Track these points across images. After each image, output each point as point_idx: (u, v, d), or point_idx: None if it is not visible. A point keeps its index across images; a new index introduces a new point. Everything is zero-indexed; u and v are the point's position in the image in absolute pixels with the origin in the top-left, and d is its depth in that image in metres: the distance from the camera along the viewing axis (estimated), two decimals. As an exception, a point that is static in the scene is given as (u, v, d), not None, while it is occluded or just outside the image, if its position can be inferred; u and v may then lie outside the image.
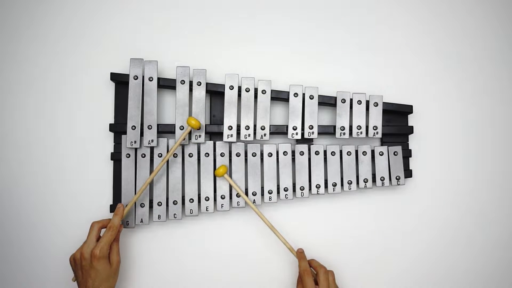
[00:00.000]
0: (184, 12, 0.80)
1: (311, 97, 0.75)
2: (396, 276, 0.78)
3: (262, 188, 0.74)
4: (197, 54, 0.79)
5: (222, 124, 0.74)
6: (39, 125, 0.77)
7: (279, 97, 0.75)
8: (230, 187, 0.74)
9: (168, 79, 0.75)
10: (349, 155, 0.75)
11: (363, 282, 0.75)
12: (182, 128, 0.73)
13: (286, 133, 0.75)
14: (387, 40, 0.82)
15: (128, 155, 0.73)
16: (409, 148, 0.79)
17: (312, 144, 0.76)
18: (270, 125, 0.74)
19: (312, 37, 0.81)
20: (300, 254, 0.71)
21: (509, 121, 0.82)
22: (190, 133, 0.73)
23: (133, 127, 0.72)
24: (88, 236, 0.66)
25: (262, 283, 0.76)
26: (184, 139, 0.72)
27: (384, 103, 0.76)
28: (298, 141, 0.76)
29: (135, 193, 0.73)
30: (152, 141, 0.72)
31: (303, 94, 0.75)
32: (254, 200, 0.74)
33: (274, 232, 0.72)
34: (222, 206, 0.74)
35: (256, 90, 0.75)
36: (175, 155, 0.73)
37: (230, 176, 0.74)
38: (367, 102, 0.76)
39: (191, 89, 0.74)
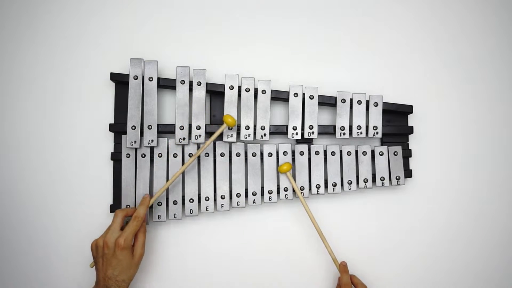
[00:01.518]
0: (184, 12, 0.80)
1: (311, 97, 0.75)
2: (396, 275, 0.78)
3: (262, 188, 0.74)
4: (197, 54, 0.79)
5: (222, 124, 0.74)
6: (39, 125, 0.77)
7: (279, 97, 0.75)
8: (230, 187, 0.74)
9: (168, 79, 0.75)
10: (349, 155, 0.75)
11: (364, 280, 0.75)
12: (182, 128, 0.73)
13: (286, 133, 0.75)
14: (387, 40, 0.82)
15: (128, 155, 0.73)
16: (409, 148, 0.79)
17: (312, 144, 0.76)
18: (270, 125, 0.74)
19: (312, 37, 0.81)
20: (343, 267, 0.72)
21: (509, 121, 0.82)
22: (190, 132, 0.73)
23: (133, 127, 0.72)
24: (111, 224, 0.66)
25: (263, 283, 0.76)
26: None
27: (384, 103, 0.76)
28: (298, 141, 0.76)
29: (135, 194, 0.73)
30: (152, 141, 0.72)
31: (303, 94, 0.75)
32: (254, 200, 0.74)
33: (322, 240, 0.71)
34: (222, 206, 0.74)
35: (256, 90, 0.75)
36: (175, 155, 0.73)
37: (230, 176, 0.74)
38: (367, 102, 0.76)
39: (191, 89, 0.74)
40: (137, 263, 0.67)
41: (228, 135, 0.73)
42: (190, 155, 0.73)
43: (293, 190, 0.74)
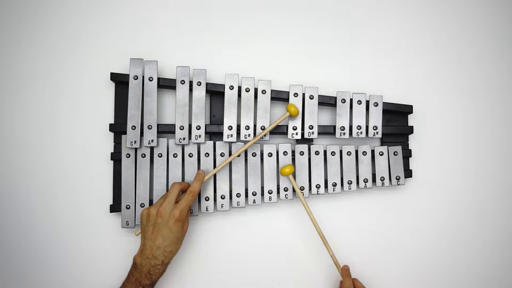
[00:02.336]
0: (184, 12, 0.80)
1: (311, 97, 0.75)
2: (396, 275, 0.78)
3: (262, 188, 0.74)
4: (197, 54, 0.79)
5: (222, 124, 0.74)
6: (39, 125, 0.77)
7: (279, 97, 0.75)
8: (230, 187, 0.74)
9: (168, 79, 0.75)
10: (349, 155, 0.75)
11: (364, 281, 0.75)
12: (182, 128, 0.73)
13: (286, 133, 0.75)
14: (387, 40, 0.82)
15: (128, 155, 0.73)
16: (409, 148, 0.79)
17: (312, 144, 0.76)
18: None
19: (312, 37, 0.81)
20: (345, 271, 0.72)
21: (509, 121, 0.82)
22: (190, 132, 0.73)
23: (133, 127, 0.72)
24: (168, 195, 0.66)
25: (263, 283, 0.76)
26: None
27: (384, 103, 0.76)
28: (298, 141, 0.76)
29: (135, 194, 0.73)
30: (152, 141, 0.72)
31: (303, 94, 0.75)
32: (254, 200, 0.74)
33: (323, 243, 0.71)
34: (222, 206, 0.74)
35: (256, 90, 0.75)
36: (175, 155, 0.73)
37: (230, 176, 0.74)
38: (367, 102, 0.76)
39: (191, 89, 0.74)
40: (183, 236, 0.68)
41: (228, 135, 0.73)
42: (190, 155, 0.73)
43: (293, 190, 0.74)
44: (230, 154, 0.74)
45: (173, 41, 0.79)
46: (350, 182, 0.75)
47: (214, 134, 0.75)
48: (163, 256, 0.65)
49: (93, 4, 0.79)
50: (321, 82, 0.79)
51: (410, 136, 0.79)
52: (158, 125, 0.73)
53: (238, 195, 0.74)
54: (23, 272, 0.75)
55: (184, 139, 0.73)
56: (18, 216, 0.76)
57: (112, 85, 0.77)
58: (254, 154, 0.74)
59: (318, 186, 0.75)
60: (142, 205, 0.73)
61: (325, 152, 0.75)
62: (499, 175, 0.81)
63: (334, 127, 0.75)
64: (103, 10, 0.79)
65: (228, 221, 0.77)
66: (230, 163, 0.74)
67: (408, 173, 0.77)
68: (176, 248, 0.67)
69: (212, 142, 0.74)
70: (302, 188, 0.74)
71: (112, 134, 0.75)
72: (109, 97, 0.77)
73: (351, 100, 0.76)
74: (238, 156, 0.72)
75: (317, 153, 0.75)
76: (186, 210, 0.66)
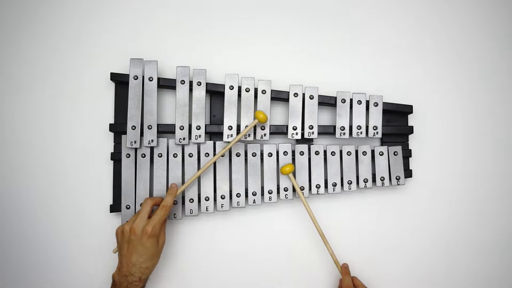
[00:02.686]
0: (184, 12, 0.80)
1: (311, 97, 0.75)
2: (396, 275, 0.78)
3: (262, 188, 0.74)
4: (197, 54, 0.79)
5: (222, 124, 0.74)
6: (39, 126, 0.77)
7: (279, 97, 0.75)
8: (230, 187, 0.74)
9: (168, 79, 0.75)
10: (349, 155, 0.75)
11: (364, 281, 0.75)
12: (182, 128, 0.73)
13: (286, 133, 0.75)
14: (387, 40, 0.82)
15: (128, 155, 0.73)
16: (409, 148, 0.79)
17: (312, 144, 0.76)
18: (270, 125, 0.74)
19: (312, 37, 0.81)
20: (345, 269, 0.72)
21: (509, 121, 0.82)
22: (190, 132, 0.73)
23: (133, 127, 0.72)
24: (140, 212, 0.66)
25: (263, 283, 0.76)
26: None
27: (384, 103, 0.76)
28: (298, 141, 0.76)
29: (135, 194, 0.73)
30: (152, 141, 0.72)
31: (303, 94, 0.75)
32: (254, 200, 0.74)
33: (323, 241, 0.71)
34: (222, 206, 0.74)
35: (256, 90, 0.75)
36: (175, 155, 0.73)
37: (230, 176, 0.74)
38: (367, 102, 0.76)
39: (191, 89, 0.74)
40: (160, 251, 0.67)
41: (228, 135, 0.73)
42: (190, 155, 0.73)
43: (293, 190, 0.74)
44: (230, 154, 0.74)
45: (173, 41, 0.79)
46: (350, 182, 0.75)
47: (214, 134, 0.75)
48: (139, 273, 0.64)
49: (93, 4, 0.79)
50: (321, 82, 0.79)
51: (410, 136, 0.79)
52: (158, 125, 0.73)
53: (238, 195, 0.74)
54: (24, 272, 0.75)
55: (184, 139, 0.73)
56: (19, 216, 0.76)
57: (112, 85, 0.77)
58: (254, 154, 0.74)
59: (318, 186, 0.75)
60: (142, 205, 0.73)
61: (325, 152, 0.75)
62: (499, 175, 0.81)
63: (334, 127, 0.75)
64: (103, 10, 0.79)
65: (228, 221, 0.77)
66: (230, 163, 0.74)
67: (408, 173, 0.77)
68: (152, 264, 0.66)
69: (212, 142, 0.74)
70: (302, 188, 0.74)
71: (112, 134, 0.75)
72: (109, 97, 0.77)
73: (351, 100, 0.76)
74: (217, 158, 0.72)
75: (317, 153, 0.75)
76: (159, 225, 0.65)
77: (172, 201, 0.68)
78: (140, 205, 0.71)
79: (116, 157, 0.74)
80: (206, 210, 0.73)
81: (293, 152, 0.75)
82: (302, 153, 0.75)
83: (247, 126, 0.73)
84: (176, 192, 0.69)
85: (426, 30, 0.83)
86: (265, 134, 0.74)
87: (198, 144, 0.74)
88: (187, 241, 0.77)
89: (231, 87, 0.74)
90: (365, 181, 0.75)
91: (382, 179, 0.75)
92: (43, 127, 0.77)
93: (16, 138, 0.76)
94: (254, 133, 0.74)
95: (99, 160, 0.76)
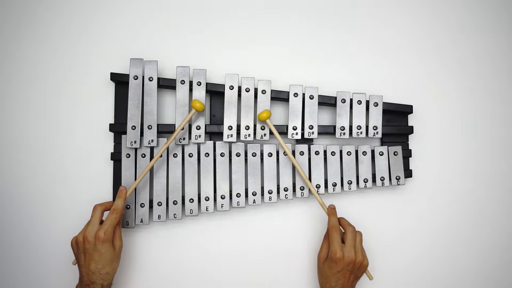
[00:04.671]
0: (184, 12, 0.80)
1: (311, 97, 0.75)
2: (396, 275, 0.78)
3: (262, 188, 0.74)
4: (197, 54, 0.79)
5: (222, 124, 0.74)
6: (39, 125, 0.77)
7: (279, 97, 0.75)
8: (230, 187, 0.74)
9: (168, 79, 0.75)
10: (349, 155, 0.75)
11: (363, 281, 0.75)
12: (182, 128, 0.73)
13: (286, 133, 0.75)
14: (387, 40, 0.82)
15: (128, 155, 0.73)
16: (409, 148, 0.79)
17: (312, 144, 0.76)
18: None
19: (312, 37, 0.81)
20: (331, 210, 0.70)
21: (509, 121, 0.82)
22: (190, 132, 0.73)
23: (133, 127, 0.72)
24: (91, 219, 0.66)
25: (263, 283, 0.76)
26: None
27: (384, 103, 0.76)
28: (298, 141, 0.76)
29: (135, 194, 0.73)
30: (152, 141, 0.72)
31: (303, 94, 0.75)
32: (254, 200, 0.74)
33: (307, 184, 0.71)
34: (222, 206, 0.74)
35: (256, 90, 0.75)
36: (175, 155, 0.73)
37: (230, 176, 0.74)
38: (367, 102, 0.76)
39: (191, 89, 0.74)
40: (118, 255, 0.67)
41: (228, 135, 0.73)
42: (190, 155, 0.73)
43: (293, 190, 0.74)
44: (230, 154, 0.74)
45: (173, 41, 0.79)
46: (350, 182, 0.75)
47: (214, 134, 0.75)
48: (100, 280, 0.64)
49: (93, 4, 0.79)
50: (321, 82, 0.79)
51: (410, 136, 0.79)
52: (158, 125, 0.73)
53: (238, 195, 0.74)
54: (24, 273, 0.75)
55: (184, 139, 0.73)
56: (19, 216, 0.76)
57: (112, 85, 0.77)
58: (254, 154, 0.74)
59: (318, 186, 0.75)
60: (142, 205, 0.73)
61: (325, 152, 0.75)
62: (499, 175, 0.81)
63: (334, 127, 0.75)
64: (103, 11, 0.79)
65: (228, 221, 0.77)
66: (230, 163, 0.74)
67: (408, 173, 0.77)
68: (112, 268, 0.65)
69: (212, 142, 0.74)
70: (302, 188, 0.74)
71: (112, 134, 0.75)
72: (109, 97, 0.77)
73: (351, 100, 0.76)
74: (161, 156, 0.71)
75: (317, 153, 0.75)
76: (111, 229, 0.65)
77: (122, 204, 0.68)
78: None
79: (116, 157, 0.74)
80: (206, 210, 0.73)
81: (293, 152, 0.75)
82: (302, 153, 0.75)
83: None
84: (126, 194, 0.69)
85: (426, 30, 0.83)
86: (265, 134, 0.74)
87: (198, 144, 0.74)
88: (188, 241, 0.77)
89: (231, 87, 0.74)
90: (365, 181, 0.75)
91: (382, 179, 0.75)
92: (43, 127, 0.77)
93: (16, 138, 0.76)
94: (254, 133, 0.74)
95: (99, 160, 0.76)
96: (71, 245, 0.66)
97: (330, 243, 0.67)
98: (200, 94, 0.73)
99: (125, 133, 0.73)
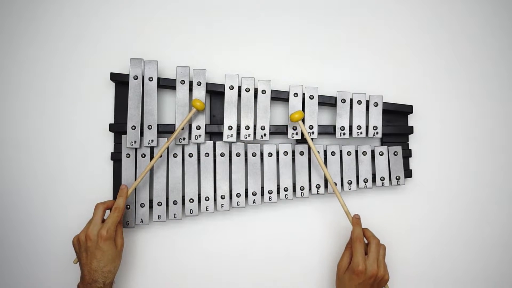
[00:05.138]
0: (184, 12, 0.80)
1: (311, 97, 0.75)
2: (396, 275, 0.78)
3: (262, 188, 0.74)
4: (197, 54, 0.79)
5: (222, 124, 0.74)
6: (39, 125, 0.77)
7: (279, 97, 0.75)
8: (230, 187, 0.74)
9: (168, 79, 0.75)
10: (349, 155, 0.75)
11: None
12: (182, 128, 0.73)
13: (286, 133, 0.75)
14: (387, 40, 0.82)
15: (128, 155, 0.73)
16: (409, 148, 0.79)
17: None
18: (270, 125, 0.74)
19: (312, 37, 0.81)
20: (356, 220, 0.69)
21: (509, 121, 0.82)
22: (190, 132, 0.73)
23: (133, 127, 0.72)
24: (93, 218, 0.66)
25: (263, 283, 0.76)
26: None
27: (384, 103, 0.76)
28: (298, 141, 0.76)
29: (135, 194, 0.73)
30: (152, 141, 0.72)
31: (303, 94, 0.75)
32: (254, 200, 0.74)
33: (334, 190, 0.70)
34: (222, 206, 0.74)
35: (256, 90, 0.75)
36: (175, 155, 0.73)
37: (230, 176, 0.74)
38: (367, 102, 0.76)
39: (191, 89, 0.74)
40: (120, 253, 0.67)
41: (228, 135, 0.73)
42: (190, 155, 0.73)
43: (293, 190, 0.74)
44: (230, 154, 0.74)
45: (173, 41, 0.79)
46: (350, 182, 0.75)
47: (214, 134, 0.75)
48: (102, 278, 0.64)
49: (93, 4, 0.79)
50: (321, 82, 0.79)
51: (410, 136, 0.79)
52: (158, 125, 0.73)
53: (238, 195, 0.74)
54: (24, 272, 0.75)
55: (184, 139, 0.73)
56: (19, 216, 0.76)
57: (112, 85, 0.77)
58: (254, 154, 0.74)
59: (318, 186, 0.75)
60: (142, 205, 0.73)
61: (325, 152, 0.75)
62: (499, 175, 0.81)
63: (334, 127, 0.75)
64: (103, 10, 0.79)
65: (228, 221, 0.77)
66: (230, 163, 0.74)
67: (408, 173, 0.77)
68: (114, 267, 0.66)
69: (212, 142, 0.74)
70: (302, 188, 0.74)
71: (112, 134, 0.75)
72: (109, 97, 0.77)
73: (351, 100, 0.76)
74: (161, 156, 0.71)
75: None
76: (113, 227, 0.65)
77: (124, 202, 0.68)
78: (111, 210, 0.70)
79: (116, 157, 0.74)
80: (206, 210, 0.73)
81: (293, 152, 0.75)
82: (302, 153, 0.75)
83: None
84: (127, 193, 0.69)
85: (426, 30, 0.83)
86: (265, 134, 0.74)
87: (198, 144, 0.74)
88: (188, 241, 0.76)
89: (231, 87, 0.74)
90: (365, 181, 0.75)
91: (382, 179, 0.75)
92: (43, 127, 0.77)
93: (16, 138, 0.76)
94: (254, 133, 0.74)
95: (99, 160, 0.76)
96: (73, 244, 0.66)
97: (353, 254, 0.66)
98: (200, 94, 0.73)
99: (125, 133, 0.73)
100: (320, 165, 0.71)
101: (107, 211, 0.69)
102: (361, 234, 0.68)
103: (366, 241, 0.70)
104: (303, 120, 0.73)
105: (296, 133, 0.75)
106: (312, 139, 0.76)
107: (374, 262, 0.65)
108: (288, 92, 0.75)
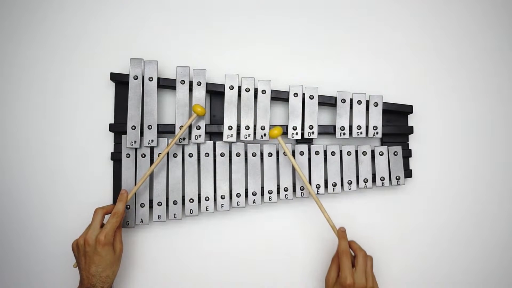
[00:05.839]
0: (184, 12, 0.80)
1: (311, 97, 0.75)
2: (396, 275, 0.78)
3: (262, 188, 0.74)
4: (197, 54, 0.79)
5: (222, 124, 0.74)
6: (39, 125, 0.77)
7: (279, 97, 0.75)
8: (230, 187, 0.74)
9: (168, 79, 0.75)
10: (349, 155, 0.75)
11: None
12: (182, 134, 0.73)
13: (286, 133, 0.75)
14: (387, 40, 0.82)
15: (128, 155, 0.73)
16: (409, 148, 0.79)
17: (312, 144, 0.76)
18: (270, 125, 0.74)
19: (312, 37, 0.81)
20: (341, 233, 0.69)
21: (509, 121, 0.82)
22: (190, 132, 0.73)
23: (133, 127, 0.72)
24: (92, 222, 0.66)
25: (263, 283, 0.76)
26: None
27: (384, 103, 0.76)
28: (298, 141, 0.76)
29: (135, 194, 0.73)
30: (152, 141, 0.72)
31: (303, 94, 0.75)
32: (254, 200, 0.74)
33: (318, 205, 0.69)
34: (222, 206, 0.74)
35: (256, 90, 0.75)
36: (175, 155, 0.73)
37: (230, 176, 0.74)
38: (367, 102, 0.76)
39: (191, 89, 0.74)
40: (118, 258, 0.67)
41: (228, 135, 0.73)
42: (190, 155, 0.73)
43: (293, 190, 0.74)
44: (230, 154, 0.74)
45: (173, 41, 0.79)
46: (350, 182, 0.75)
47: (214, 134, 0.75)
48: (101, 283, 0.64)
49: (93, 4, 0.79)
50: (321, 82, 0.79)
51: (410, 136, 0.79)
52: (158, 125, 0.73)
53: (238, 195, 0.74)
54: (24, 272, 0.75)
55: (184, 139, 0.73)
56: (18, 216, 0.76)
57: (112, 85, 0.77)
58: (254, 154, 0.74)
59: (318, 186, 0.75)
60: (142, 205, 0.73)
61: (325, 152, 0.75)
62: (499, 175, 0.81)
63: (334, 127, 0.75)
64: (103, 10, 0.79)
65: (228, 221, 0.77)
66: (230, 163, 0.74)
67: (408, 173, 0.77)
68: (112, 272, 0.66)
69: (212, 142, 0.74)
70: (302, 188, 0.75)
71: (112, 134, 0.75)
72: (109, 97, 0.77)
73: (351, 100, 0.76)
74: (164, 156, 0.71)
75: (317, 153, 0.75)
76: (112, 232, 0.65)
77: (123, 207, 0.68)
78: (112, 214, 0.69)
79: (116, 157, 0.74)
80: (206, 210, 0.73)
81: (293, 152, 0.75)
82: (302, 153, 0.75)
83: (187, 126, 0.72)
84: (127, 198, 0.69)
85: (426, 30, 0.83)
86: (265, 134, 0.74)
87: (198, 144, 0.74)
88: (188, 241, 0.76)
89: (231, 87, 0.74)
90: (365, 181, 0.75)
91: (382, 179, 0.76)
92: (43, 127, 0.77)
93: (16, 138, 0.76)
94: (254, 133, 0.74)
95: (99, 160, 0.76)
96: (72, 248, 0.66)
97: (341, 269, 0.65)
98: (200, 94, 0.73)
99: (125, 133, 0.73)
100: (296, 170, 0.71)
101: (107, 216, 0.70)
102: (347, 247, 0.68)
103: (353, 254, 0.70)
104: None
105: (296, 133, 0.75)
106: (312, 139, 0.76)
107: (362, 274, 0.65)
108: (288, 92, 0.75)
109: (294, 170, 0.75)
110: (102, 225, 0.67)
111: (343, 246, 0.67)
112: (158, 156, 0.72)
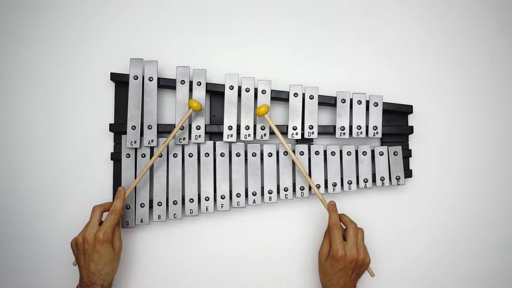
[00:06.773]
0: (184, 12, 0.80)
1: (311, 97, 0.75)
2: (396, 275, 0.78)
3: (262, 188, 0.74)
4: (197, 54, 0.79)
5: (222, 124, 0.74)
6: (39, 125, 0.77)
7: (279, 97, 0.75)
8: (230, 187, 0.74)
9: (168, 79, 0.75)
10: (349, 155, 0.75)
11: (363, 281, 0.75)
12: (182, 128, 0.73)
13: (286, 133, 0.75)
14: (387, 40, 0.82)
15: (128, 155, 0.73)
16: (409, 148, 0.79)
17: (312, 144, 0.76)
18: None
19: (312, 37, 0.81)
20: (331, 206, 0.69)
21: (509, 121, 0.82)
22: (190, 132, 0.73)
23: (133, 127, 0.72)
24: (90, 220, 0.66)
25: (263, 283, 0.76)
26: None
27: (384, 103, 0.76)
28: (298, 141, 0.76)
29: (135, 194, 0.73)
30: (152, 141, 0.72)
31: (303, 94, 0.75)
32: (254, 200, 0.74)
33: (307, 179, 0.69)
34: (222, 206, 0.74)
35: (256, 90, 0.75)
36: (175, 155, 0.73)
37: (230, 176, 0.74)
38: (367, 102, 0.76)
39: (191, 89, 0.74)
40: (117, 255, 0.67)
41: (228, 135, 0.73)
42: (190, 155, 0.73)
43: (293, 190, 0.74)
44: (230, 154, 0.74)
45: (173, 41, 0.79)
46: (350, 182, 0.75)
47: (214, 134, 0.75)
48: (100, 280, 0.64)
49: (93, 4, 0.79)
50: (321, 82, 0.79)
51: (410, 136, 0.79)
52: (158, 125, 0.73)
53: (238, 195, 0.74)
54: (24, 272, 0.75)
55: (184, 139, 0.73)
56: (19, 216, 0.76)
57: (112, 85, 0.77)
58: (254, 154, 0.74)
59: (318, 186, 0.75)
60: (142, 205, 0.73)
61: (325, 152, 0.75)
62: (499, 175, 0.81)
63: (334, 127, 0.75)
64: (103, 11, 0.79)
65: (228, 221, 0.77)
66: (230, 163, 0.74)
67: (408, 173, 0.77)
68: (111, 269, 0.66)
69: (212, 142, 0.74)
70: (302, 188, 0.75)
71: (112, 134, 0.75)
72: (109, 97, 0.77)
73: (351, 100, 0.76)
74: (160, 156, 0.71)
75: (317, 153, 0.75)
76: (110, 230, 0.65)
77: (121, 205, 0.68)
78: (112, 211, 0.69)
79: (116, 157, 0.74)
80: (206, 210, 0.73)
81: (293, 152, 0.75)
82: (302, 153, 0.75)
83: (190, 122, 0.72)
84: (125, 195, 0.69)
85: (426, 30, 0.83)
86: (265, 134, 0.74)
87: (198, 144, 0.74)
88: (188, 241, 0.76)
89: (231, 87, 0.74)
90: (365, 181, 0.75)
91: (382, 179, 0.76)
92: (43, 127, 0.77)
93: (16, 138, 0.76)
94: (254, 133, 0.74)
95: (99, 160, 0.76)
96: (71, 246, 0.67)
97: (332, 241, 0.66)
98: (200, 94, 0.73)
99: (125, 133, 0.73)
100: (295, 162, 0.71)
101: (106, 213, 0.69)
102: (337, 220, 0.67)
103: (344, 227, 0.70)
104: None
105: (296, 133, 0.75)
106: (312, 139, 0.76)
107: (353, 246, 0.65)
108: (288, 92, 0.75)
109: (294, 170, 0.75)
110: (100, 223, 0.67)
111: (333, 219, 0.67)
112: (159, 155, 0.72)
